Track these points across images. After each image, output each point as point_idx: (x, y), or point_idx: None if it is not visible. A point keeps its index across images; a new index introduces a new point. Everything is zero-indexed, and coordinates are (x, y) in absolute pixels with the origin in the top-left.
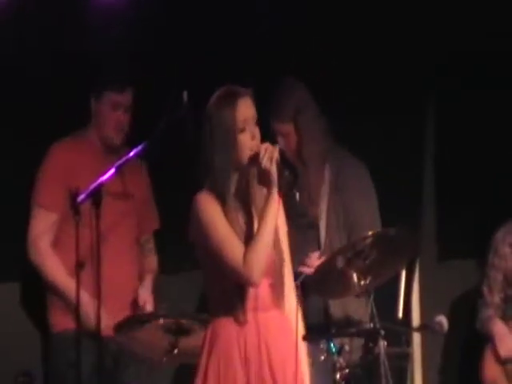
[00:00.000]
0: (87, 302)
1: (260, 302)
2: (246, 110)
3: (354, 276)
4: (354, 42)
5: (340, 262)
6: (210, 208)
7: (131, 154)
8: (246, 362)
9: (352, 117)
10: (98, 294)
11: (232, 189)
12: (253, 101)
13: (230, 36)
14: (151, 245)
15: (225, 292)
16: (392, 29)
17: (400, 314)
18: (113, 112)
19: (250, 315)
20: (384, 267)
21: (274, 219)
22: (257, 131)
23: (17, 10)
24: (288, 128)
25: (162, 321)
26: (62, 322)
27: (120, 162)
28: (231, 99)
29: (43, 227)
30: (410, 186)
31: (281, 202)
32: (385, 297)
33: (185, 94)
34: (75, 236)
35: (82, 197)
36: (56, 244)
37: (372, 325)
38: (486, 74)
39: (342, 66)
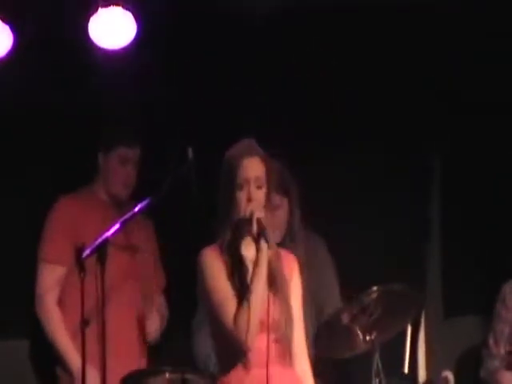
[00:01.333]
0: (91, 375)
1: (263, 357)
2: (248, 170)
3: (360, 332)
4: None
5: (345, 318)
6: (211, 264)
7: (136, 209)
8: None
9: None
10: (102, 353)
11: (228, 240)
12: (263, 162)
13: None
14: (162, 307)
15: (227, 344)
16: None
17: (406, 370)
18: (121, 167)
19: (252, 370)
20: (389, 323)
21: (262, 284)
22: (257, 194)
23: (21, 60)
24: (281, 200)
25: (167, 375)
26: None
27: (125, 217)
28: (238, 157)
29: (49, 282)
30: (415, 244)
31: (297, 265)
32: (391, 352)
33: (190, 151)
34: (80, 292)
35: (86, 252)
36: (63, 299)
37: (378, 380)
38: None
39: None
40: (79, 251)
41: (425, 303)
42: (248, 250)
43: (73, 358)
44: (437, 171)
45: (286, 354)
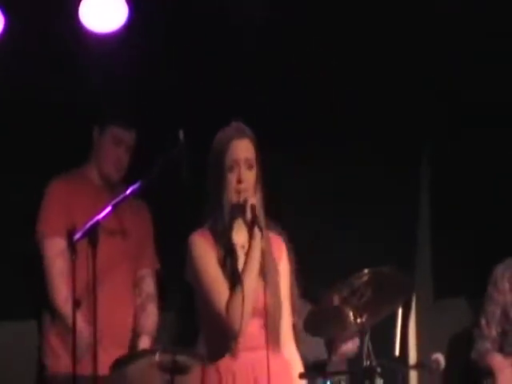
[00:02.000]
0: (86, 335)
1: (250, 342)
2: (238, 151)
3: (350, 314)
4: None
5: (336, 300)
6: (201, 249)
7: (128, 191)
8: None
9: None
10: (94, 333)
11: (222, 225)
12: (253, 144)
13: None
14: (150, 288)
15: (217, 330)
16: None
17: (397, 352)
18: (114, 147)
19: (240, 354)
20: (380, 305)
21: (255, 272)
22: (247, 175)
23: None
24: None
25: (157, 357)
26: (55, 363)
27: (117, 200)
28: (226, 139)
29: (53, 253)
30: (405, 226)
31: (286, 248)
32: (382, 335)
33: (181, 133)
34: (72, 275)
35: (78, 235)
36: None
37: (369, 362)
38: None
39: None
40: (71, 234)
41: (415, 286)
42: (239, 236)
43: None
44: (427, 159)
45: (275, 339)
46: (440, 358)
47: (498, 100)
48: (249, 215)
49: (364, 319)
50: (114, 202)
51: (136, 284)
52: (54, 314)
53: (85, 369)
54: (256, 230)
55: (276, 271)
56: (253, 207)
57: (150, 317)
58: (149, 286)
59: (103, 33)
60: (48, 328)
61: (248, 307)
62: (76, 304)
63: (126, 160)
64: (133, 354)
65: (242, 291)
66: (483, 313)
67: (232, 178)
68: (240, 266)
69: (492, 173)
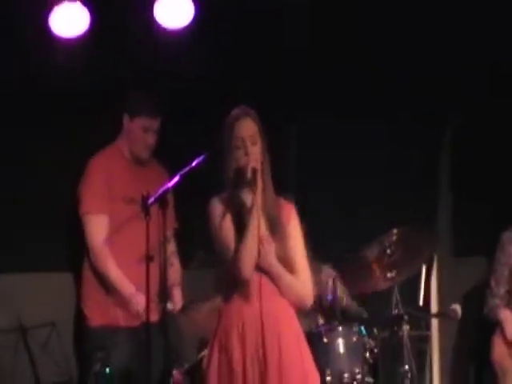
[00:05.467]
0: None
1: (258, 291)
2: (242, 130)
3: (381, 270)
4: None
5: (370, 257)
6: (216, 212)
7: (194, 163)
8: (243, 337)
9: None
10: (147, 287)
11: (230, 191)
12: (255, 122)
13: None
14: (173, 247)
15: (231, 279)
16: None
17: (421, 303)
18: (143, 134)
19: (250, 300)
20: (406, 262)
21: (256, 225)
22: (253, 150)
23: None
24: None
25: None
26: (96, 316)
27: (184, 170)
28: (231, 121)
29: (97, 231)
30: (427, 191)
31: (293, 208)
32: (408, 288)
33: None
34: (146, 233)
35: (151, 200)
36: (108, 242)
37: (397, 311)
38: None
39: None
40: (144, 199)
41: (437, 245)
42: (247, 199)
43: (126, 286)
44: (449, 122)
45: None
46: (457, 308)
47: None
48: (249, 175)
49: (394, 274)
50: (181, 172)
51: (162, 243)
52: (98, 274)
53: (123, 320)
54: (255, 188)
55: (283, 228)
56: (253, 170)
57: (178, 271)
58: (173, 244)
59: (174, 28)
60: (90, 281)
61: (252, 250)
62: (149, 258)
63: (154, 140)
64: (197, 301)
65: (246, 241)
66: (493, 274)
67: (240, 152)
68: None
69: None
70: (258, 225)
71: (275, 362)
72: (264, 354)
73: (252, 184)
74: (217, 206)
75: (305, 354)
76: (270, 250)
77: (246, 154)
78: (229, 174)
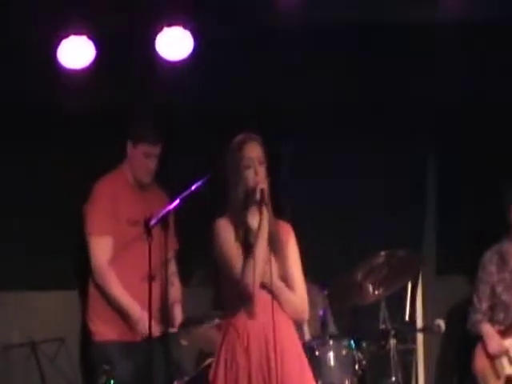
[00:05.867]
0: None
1: (263, 307)
2: (251, 151)
3: (370, 287)
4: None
5: (359, 276)
6: (222, 232)
7: (193, 187)
8: (248, 351)
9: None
10: (149, 304)
11: (239, 209)
12: (260, 145)
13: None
14: (174, 267)
15: (237, 296)
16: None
17: (407, 318)
18: (145, 160)
19: (255, 316)
20: (393, 280)
21: (264, 241)
22: (260, 169)
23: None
24: None
25: (217, 321)
26: (102, 331)
27: (183, 194)
28: (240, 143)
29: (101, 252)
30: (413, 214)
31: (291, 229)
32: (395, 304)
33: None
34: (148, 253)
35: (153, 221)
36: (112, 263)
37: (384, 326)
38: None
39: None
40: (147, 221)
41: (421, 265)
42: (253, 220)
43: (133, 308)
44: (433, 144)
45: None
46: (441, 323)
47: None
48: (258, 196)
49: (381, 291)
50: (181, 196)
51: (163, 263)
52: (103, 291)
53: (127, 335)
54: (264, 208)
55: (284, 248)
56: (262, 190)
57: (178, 289)
58: (173, 264)
59: (174, 60)
60: (95, 298)
61: (258, 268)
62: (151, 278)
63: (155, 166)
64: (193, 318)
65: (254, 259)
66: (475, 291)
67: (250, 172)
68: (253, 239)
69: (491, 168)
70: (265, 245)
71: (278, 375)
72: (268, 368)
73: (260, 204)
74: (224, 227)
75: (305, 368)
76: (274, 269)
77: (256, 173)
78: (237, 195)
